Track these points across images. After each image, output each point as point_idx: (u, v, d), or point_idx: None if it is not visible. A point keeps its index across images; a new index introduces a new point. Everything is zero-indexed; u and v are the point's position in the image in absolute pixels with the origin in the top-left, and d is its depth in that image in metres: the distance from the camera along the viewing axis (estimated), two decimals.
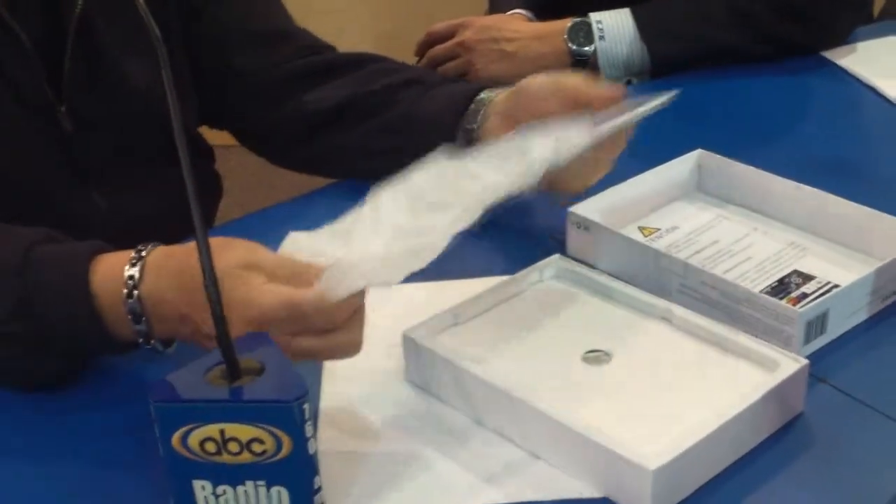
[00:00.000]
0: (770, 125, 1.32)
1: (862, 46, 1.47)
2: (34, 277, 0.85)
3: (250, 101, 1.19)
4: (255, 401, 0.72)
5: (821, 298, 0.91)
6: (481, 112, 1.07)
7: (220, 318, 0.73)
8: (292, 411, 0.71)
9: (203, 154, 1.26)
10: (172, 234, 0.89)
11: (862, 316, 0.94)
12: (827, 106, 1.38)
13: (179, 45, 1.13)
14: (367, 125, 1.15)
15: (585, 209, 1.03)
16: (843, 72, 1.42)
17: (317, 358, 0.85)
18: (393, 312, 0.96)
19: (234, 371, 0.74)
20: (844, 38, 1.48)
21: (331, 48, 1.22)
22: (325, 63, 1.19)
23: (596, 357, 0.87)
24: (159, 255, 0.85)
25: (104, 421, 0.87)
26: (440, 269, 1.01)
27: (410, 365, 0.89)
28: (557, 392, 0.83)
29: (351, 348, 0.83)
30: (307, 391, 0.72)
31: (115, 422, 0.87)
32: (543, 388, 0.83)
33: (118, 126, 1.09)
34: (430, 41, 1.49)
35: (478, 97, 1.09)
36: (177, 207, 0.81)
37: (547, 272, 0.97)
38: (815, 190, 1.05)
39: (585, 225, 1.02)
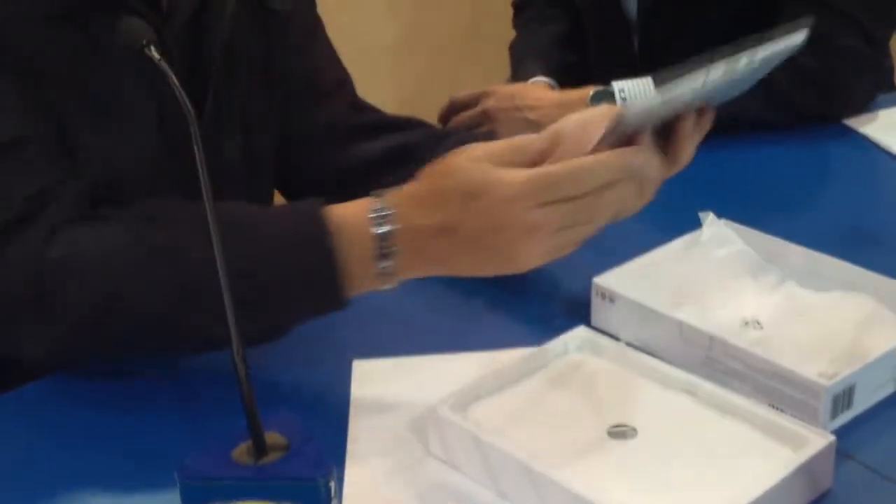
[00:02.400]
0: (790, 193, 1.33)
1: (883, 114, 1.48)
2: (267, 230, 0.89)
3: (300, 153, 1.22)
4: (281, 478, 0.72)
5: (848, 372, 0.90)
6: None
7: (247, 392, 0.74)
8: (318, 489, 0.71)
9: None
10: None
11: (889, 389, 0.94)
12: (848, 174, 1.38)
13: (276, 82, 1.16)
14: (409, 169, 1.17)
15: (609, 280, 1.03)
16: (864, 139, 1.42)
17: (577, 220, 0.85)
18: (416, 384, 0.96)
19: (259, 447, 0.74)
20: (865, 106, 1.49)
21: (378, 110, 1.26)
22: (378, 122, 1.23)
23: (621, 432, 0.87)
24: (397, 190, 0.87)
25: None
26: (463, 340, 1.02)
27: (434, 438, 0.88)
28: (583, 467, 0.83)
29: (623, 204, 0.86)
30: (333, 468, 0.73)
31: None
32: (569, 464, 0.82)
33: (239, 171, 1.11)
34: (453, 109, 1.51)
35: None
36: None
37: (571, 344, 0.97)
38: (835, 259, 1.05)
39: (610, 296, 1.02)
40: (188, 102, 0.78)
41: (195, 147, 0.76)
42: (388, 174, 1.17)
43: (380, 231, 0.86)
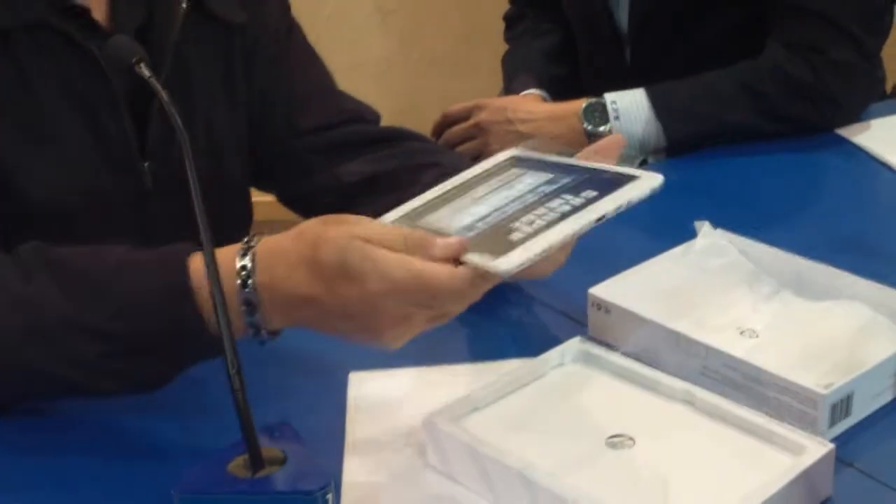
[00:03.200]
0: (785, 203, 1.33)
1: (876, 123, 1.48)
2: (132, 278, 0.87)
3: (286, 167, 1.21)
4: (279, 492, 0.72)
5: (845, 381, 0.90)
6: None
7: (243, 407, 0.73)
8: (316, 502, 0.71)
9: (239, 219, 1.26)
10: None
11: (888, 397, 0.94)
12: (842, 183, 1.39)
13: (244, 100, 1.16)
14: (387, 200, 1.16)
15: (605, 291, 1.03)
16: (858, 149, 1.43)
17: (436, 323, 0.85)
18: (413, 396, 0.96)
19: (256, 461, 0.73)
20: (857, 115, 1.49)
21: (371, 113, 1.24)
22: (364, 135, 1.21)
23: (619, 442, 0.86)
24: (268, 243, 0.85)
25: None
26: (459, 352, 1.01)
27: (431, 450, 0.88)
28: (581, 478, 0.82)
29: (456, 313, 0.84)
30: (331, 481, 0.72)
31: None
32: (567, 474, 0.82)
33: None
34: (446, 122, 1.51)
35: None
36: None
37: (568, 355, 0.97)
38: (830, 268, 1.05)
39: (606, 307, 1.02)
40: (179, 120, 0.77)
41: (188, 166, 0.76)
42: (366, 201, 1.15)
43: (245, 291, 0.84)
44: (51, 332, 0.87)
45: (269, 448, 0.75)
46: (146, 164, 1.06)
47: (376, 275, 0.80)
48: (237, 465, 0.74)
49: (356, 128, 1.22)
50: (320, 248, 0.83)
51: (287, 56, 1.20)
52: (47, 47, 1.00)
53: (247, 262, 0.84)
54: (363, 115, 1.24)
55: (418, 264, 0.80)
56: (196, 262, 0.86)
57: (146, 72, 0.85)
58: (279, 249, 0.85)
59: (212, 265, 0.76)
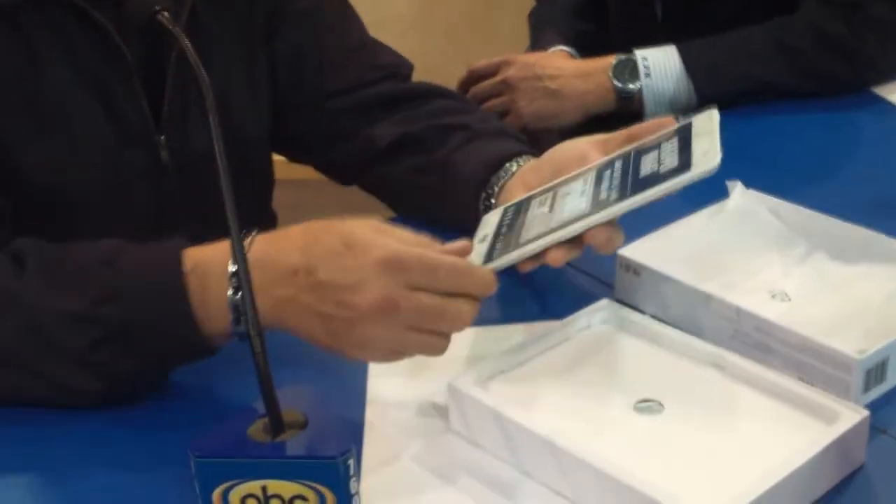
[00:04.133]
0: (818, 162, 1.29)
1: None
2: (126, 268, 0.85)
3: (319, 131, 1.18)
4: (299, 457, 0.70)
5: (881, 345, 0.87)
6: (504, 179, 1.06)
7: (264, 369, 0.72)
8: (337, 468, 0.70)
9: (260, 190, 1.24)
10: None
11: None
12: (877, 143, 1.35)
13: (263, 55, 1.13)
14: (415, 161, 1.14)
15: (634, 252, 1.01)
16: (892, 107, 1.39)
17: (424, 321, 0.82)
18: (437, 358, 0.94)
19: (277, 425, 0.72)
20: (892, 73, 1.45)
21: (406, 65, 1.22)
22: (396, 93, 1.18)
23: (648, 407, 0.85)
24: (261, 246, 0.84)
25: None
26: (484, 314, 0.99)
27: (455, 415, 0.86)
28: (608, 444, 0.80)
29: (461, 319, 0.82)
30: (352, 446, 0.71)
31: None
32: (594, 440, 0.80)
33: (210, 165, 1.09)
34: (472, 78, 1.48)
35: (507, 164, 1.07)
36: None
37: (595, 318, 0.94)
38: (865, 230, 1.02)
39: (635, 268, 1.00)
40: (202, 67, 0.75)
41: (210, 119, 0.74)
42: (393, 162, 1.14)
43: (235, 297, 0.83)
44: (38, 325, 0.85)
45: (289, 411, 0.73)
46: (162, 138, 1.03)
47: (373, 244, 0.80)
48: (257, 428, 0.72)
49: (388, 86, 1.19)
50: (329, 231, 0.83)
51: (320, 10, 1.17)
52: (58, 24, 0.97)
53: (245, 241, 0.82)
54: (398, 68, 1.20)
55: (419, 248, 0.81)
56: (191, 254, 0.85)
57: (167, 21, 0.83)
58: (281, 232, 0.84)
59: (235, 224, 0.73)
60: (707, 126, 0.90)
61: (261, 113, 1.14)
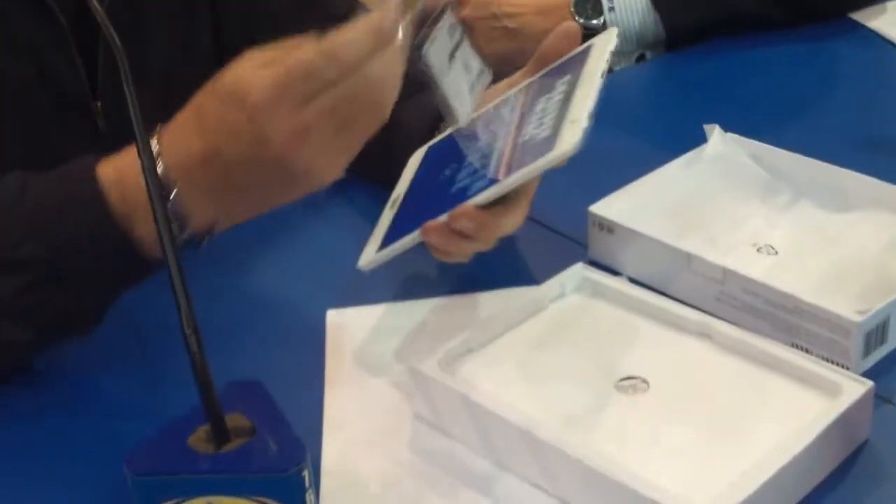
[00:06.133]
0: (798, 99, 1.21)
1: (892, 6, 1.36)
2: (36, 197, 0.78)
3: None
4: (247, 470, 0.62)
5: (881, 305, 0.80)
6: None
7: (202, 372, 0.64)
8: (289, 481, 0.62)
9: None
10: None
11: None
12: (859, 74, 1.27)
13: (209, 19, 1.05)
14: None
15: (607, 208, 0.93)
16: (874, 34, 1.31)
17: (346, 116, 0.73)
18: (399, 335, 0.87)
19: (220, 434, 0.64)
20: None
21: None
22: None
23: (631, 385, 0.77)
24: (167, 147, 0.76)
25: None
26: (448, 283, 0.91)
27: (419, 399, 0.79)
28: (590, 429, 0.73)
29: (380, 84, 0.73)
30: (306, 454, 0.63)
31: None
32: (574, 425, 0.73)
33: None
34: (423, 20, 1.38)
35: None
36: None
37: (569, 284, 0.87)
38: (853, 173, 0.95)
39: (608, 226, 0.92)
40: (115, 35, 0.66)
41: (126, 88, 0.65)
42: None
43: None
44: None
45: (234, 416, 0.65)
46: (98, 104, 0.96)
47: (248, 89, 0.71)
48: (199, 437, 0.64)
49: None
50: (209, 94, 0.75)
51: None
52: None
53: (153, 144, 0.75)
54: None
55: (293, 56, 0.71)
56: (104, 169, 0.78)
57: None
58: (177, 121, 0.77)
59: (152, 175, 0.64)
60: (598, 60, 0.80)
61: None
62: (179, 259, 0.64)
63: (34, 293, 0.78)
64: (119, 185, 0.77)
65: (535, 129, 0.78)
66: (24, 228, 0.78)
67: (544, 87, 0.82)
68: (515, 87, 0.87)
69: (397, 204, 0.85)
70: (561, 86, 0.80)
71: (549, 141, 0.75)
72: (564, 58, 0.84)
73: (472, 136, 0.83)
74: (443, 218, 0.78)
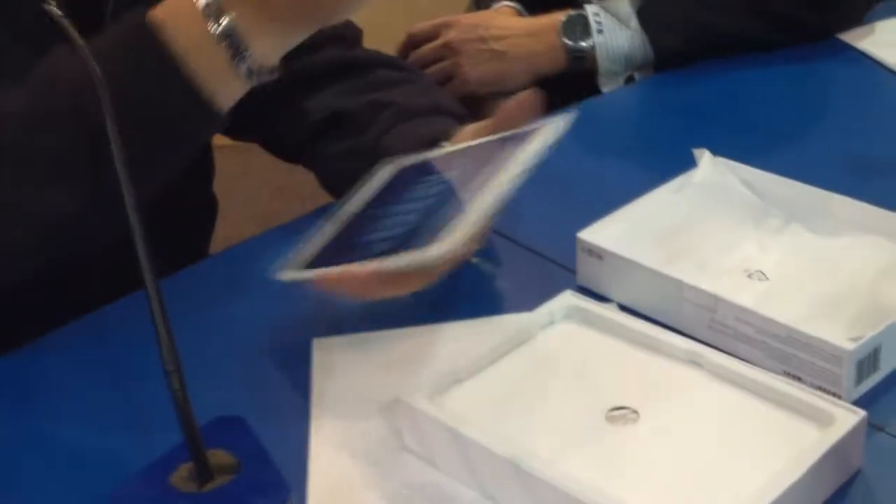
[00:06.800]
0: (788, 122, 1.20)
1: (880, 26, 1.36)
2: (92, 48, 0.74)
3: (251, 100, 1.09)
4: None
5: (873, 333, 0.80)
6: None
7: (184, 410, 0.63)
8: None
9: (200, 174, 1.14)
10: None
11: None
12: (849, 96, 1.26)
13: None
14: (346, 143, 1.05)
15: (596, 234, 0.92)
16: (863, 55, 1.31)
17: None
18: (386, 364, 0.85)
19: (203, 472, 0.63)
20: (860, 18, 1.37)
21: (352, 29, 1.13)
22: (337, 60, 1.09)
23: (622, 416, 0.76)
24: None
25: None
26: (435, 309, 0.90)
27: (407, 432, 0.78)
28: (581, 462, 0.72)
29: None
30: (289, 493, 0.62)
31: None
32: (563, 457, 0.72)
33: None
34: (412, 43, 1.38)
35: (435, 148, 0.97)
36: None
37: (558, 312, 0.86)
38: (845, 197, 0.94)
39: (597, 252, 0.91)
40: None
41: (101, 95, 0.64)
42: (326, 141, 1.05)
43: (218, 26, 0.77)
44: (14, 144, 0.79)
45: (217, 452, 0.64)
46: None
47: None
48: (181, 476, 0.63)
49: (331, 52, 1.09)
50: None
51: None
52: None
53: None
54: (344, 31, 1.11)
55: None
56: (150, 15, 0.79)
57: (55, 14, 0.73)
58: None
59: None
60: (533, 146, 0.77)
61: None
62: (161, 297, 0.63)
63: (87, 150, 0.78)
64: (172, 21, 0.77)
65: (436, 216, 0.75)
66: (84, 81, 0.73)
67: (482, 159, 0.80)
68: (474, 141, 0.86)
69: (345, 221, 0.83)
70: (489, 165, 0.77)
71: (431, 237, 0.72)
72: (515, 131, 0.81)
73: (437, 176, 0.82)
74: (335, 271, 0.77)
